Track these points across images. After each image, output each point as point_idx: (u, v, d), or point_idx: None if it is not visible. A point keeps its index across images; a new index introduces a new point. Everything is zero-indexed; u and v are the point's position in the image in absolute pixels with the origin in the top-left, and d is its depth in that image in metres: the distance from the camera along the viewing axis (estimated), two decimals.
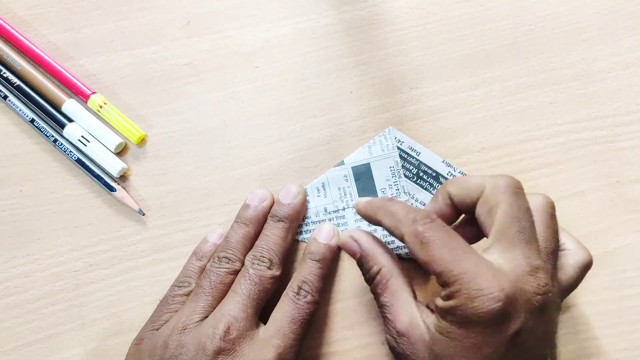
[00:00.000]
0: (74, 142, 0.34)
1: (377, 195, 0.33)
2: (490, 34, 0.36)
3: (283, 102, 0.36)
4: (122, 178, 0.35)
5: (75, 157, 0.34)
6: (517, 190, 0.26)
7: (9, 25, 0.36)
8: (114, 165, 0.34)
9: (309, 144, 0.35)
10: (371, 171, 0.34)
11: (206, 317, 0.28)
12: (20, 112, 0.35)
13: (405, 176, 0.33)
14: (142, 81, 0.36)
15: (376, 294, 0.29)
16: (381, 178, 0.34)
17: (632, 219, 0.34)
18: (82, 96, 0.35)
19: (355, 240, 0.30)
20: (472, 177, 0.28)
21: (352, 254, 0.30)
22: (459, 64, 0.36)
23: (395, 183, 0.33)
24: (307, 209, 0.34)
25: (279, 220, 0.32)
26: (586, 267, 0.28)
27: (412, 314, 0.27)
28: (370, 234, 0.31)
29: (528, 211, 0.26)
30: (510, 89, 0.36)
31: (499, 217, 0.26)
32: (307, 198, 0.34)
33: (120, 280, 0.33)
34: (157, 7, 0.37)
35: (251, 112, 0.35)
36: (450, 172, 0.34)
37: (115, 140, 0.34)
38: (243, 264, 0.31)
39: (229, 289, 0.30)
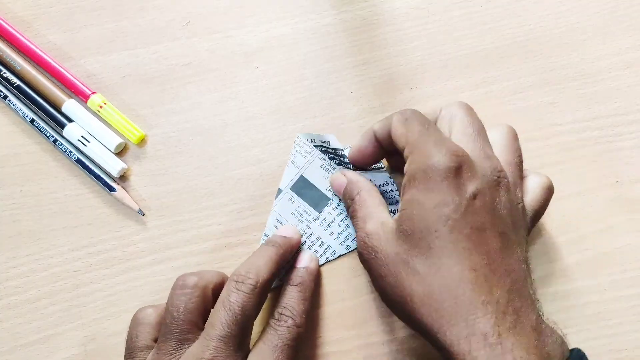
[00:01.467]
0: (74, 142, 0.34)
1: (328, 197, 0.33)
2: (490, 34, 0.36)
3: (283, 102, 0.36)
4: (122, 178, 0.35)
5: (75, 157, 0.34)
6: (470, 109, 0.30)
7: (9, 25, 0.36)
8: (114, 165, 0.34)
9: None
10: (308, 180, 0.34)
11: None
12: (20, 112, 0.35)
13: (337, 164, 0.33)
14: (142, 81, 0.36)
15: (353, 212, 0.30)
16: (320, 180, 0.34)
17: (632, 219, 0.34)
18: (82, 96, 0.35)
19: (344, 175, 0.32)
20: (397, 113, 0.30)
21: (339, 187, 0.32)
22: (459, 64, 0.36)
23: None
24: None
25: (272, 246, 0.30)
26: (549, 188, 0.30)
27: (382, 217, 0.28)
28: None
29: (480, 122, 0.29)
30: (510, 89, 0.36)
31: (456, 124, 0.28)
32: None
33: (120, 280, 0.33)
34: (157, 7, 0.37)
35: (251, 112, 0.35)
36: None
37: (115, 140, 0.34)
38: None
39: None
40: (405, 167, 0.27)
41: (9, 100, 0.35)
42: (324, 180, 0.34)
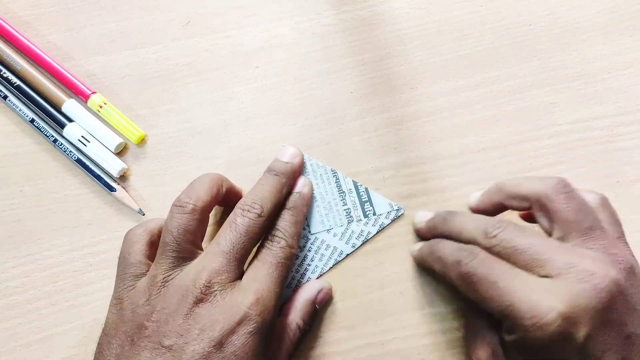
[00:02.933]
0: (74, 142, 0.34)
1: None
2: (490, 34, 0.36)
3: (283, 102, 0.36)
4: (122, 178, 0.35)
5: (75, 157, 0.34)
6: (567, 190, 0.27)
7: (9, 25, 0.36)
8: (114, 165, 0.34)
9: (309, 144, 0.35)
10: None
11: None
12: (20, 112, 0.35)
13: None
14: (142, 81, 0.36)
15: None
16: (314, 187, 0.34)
17: (632, 219, 0.34)
18: (82, 96, 0.35)
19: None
20: (524, 181, 0.29)
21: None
22: (459, 64, 0.36)
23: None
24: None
25: (275, 175, 0.31)
26: (604, 200, 0.29)
27: (491, 345, 0.27)
28: None
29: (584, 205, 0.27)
30: (510, 89, 0.36)
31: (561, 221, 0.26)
32: None
33: None
34: (157, 7, 0.37)
35: (251, 112, 0.35)
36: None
37: (115, 140, 0.34)
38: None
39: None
40: (506, 334, 0.26)
41: (9, 100, 0.35)
42: (318, 192, 0.34)
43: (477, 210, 0.31)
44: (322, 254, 0.33)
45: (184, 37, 0.37)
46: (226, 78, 0.36)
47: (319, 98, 0.36)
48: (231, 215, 0.29)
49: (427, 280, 0.33)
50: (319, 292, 0.32)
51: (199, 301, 0.26)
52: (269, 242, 0.30)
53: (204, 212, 0.29)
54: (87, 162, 0.34)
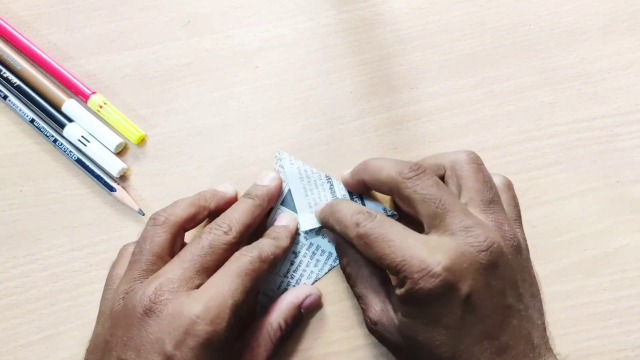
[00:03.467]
0: (74, 142, 0.34)
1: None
2: (490, 34, 0.36)
3: (283, 102, 0.36)
4: (122, 178, 0.35)
5: (75, 157, 0.34)
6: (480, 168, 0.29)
7: (9, 25, 0.36)
8: (114, 165, 0.34)
9: (309, 144, 0.35)
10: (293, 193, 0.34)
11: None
12: (20, 112, 0.35)
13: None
14: (142, 81, 0.36)
15: (350, 285, 0.31)
16: (301, 190, 0.33)
17: (632, 219, 0.34)
18: (82, 96, 0.35)
19: (328, 215, 0.31)
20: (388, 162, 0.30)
21: (322, 221, 0.32)
22: (459, 64, 0.36)
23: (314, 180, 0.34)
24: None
25: (249, 197, 0.31)
26: (509, 185, 0.31)
27: (382, 302, 0.29)
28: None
29: (491, 181, 0.29)
30: (510, 89, 0.36)
31: (467, 190, 0.29)
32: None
33: None
34: (157, 7, 0.37)
35: (251, 112, 0.35)
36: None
37: (115, 140, 0.34)
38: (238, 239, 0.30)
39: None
40: (397, 285, 0.27)
41: (9, 100, 0.35)
42: (305, 190, 0.33)
43: (347, 186, 0.33)
44: (317, 260, 0.33)
45: (184, 37, 0.37)
46: (226, 78, 0.36)
47: (319, 98, 0.36)
48: (201, 232, 0.29)
49: None
50: (306, 297, 0.32)
51: (149, 311, 0.25)
52: (238, 252, 0.28)
53: (175, 228, 0.29)
54: (87, 162, 0.34)
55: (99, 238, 0.34)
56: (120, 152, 0.35)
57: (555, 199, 0.33)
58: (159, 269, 0.27)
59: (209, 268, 0.27)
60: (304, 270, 0.33)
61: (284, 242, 0.31)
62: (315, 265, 0.33)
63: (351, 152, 0.35)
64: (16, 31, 0.36)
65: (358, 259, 0.30)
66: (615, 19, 0.37)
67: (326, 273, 0.33)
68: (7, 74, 0.35)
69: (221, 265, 0.28)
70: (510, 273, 0.27)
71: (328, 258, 0.33)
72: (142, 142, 0.35)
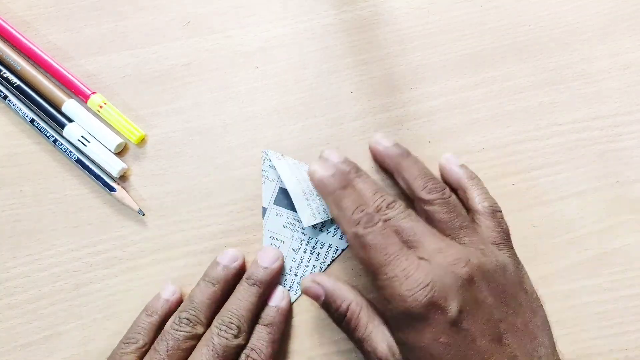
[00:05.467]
0: (74, 142, 0.34)
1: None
2: (490, 34, 0.36)
3: (283, 102, 0.36)
4: (122, 178, 0.35)
5: (75, 157, 0.34)
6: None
7: (9, 25, 0.36)
8: (114, 165, 0.34)
9: (309, 144, 0.35)
10: (286, 191, 0.33)
11: None
12: (20, 112, 0.35)
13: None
14: (142, 81, 0.36)
15: (350, 331, 0.29)
16: (295, 185, 0.33)
17: (632, 219, 0.34)
18: (82, 96, 0.35)
19: (318, 283, 0.30)
20: None
21: (316, 297, 0.30)
22: (459, 64, 0.36)
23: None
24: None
25: (253, 284, 0.31)
26: (495, 210, 0.31)
27: (387, 339, 0.28)
28: (330, 276, 0.31)
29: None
30: (510, 89, 0.36)
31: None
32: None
33: (120, 281, 0.33)
34: (157, 7, 0.37)
35: (251, 112, 0.35)
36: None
37: (115, 140, 0.34)
38: (205, 327, 0.30)
39: (187, 355, 0.29)
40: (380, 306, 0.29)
41: (9, 100, 0.35)
42: (298, 184, 0.33)
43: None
44: (317, 253, 0.33)
45: (184, 37, 0.37)
46: (226, 78, 0.36)
47: (319, 98, 0.36)
48: (208, 332, 0.29)
49: None
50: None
51: None
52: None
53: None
54: (87, 162, 0.34)
55: (99, 238, 0.34)
56: (120, 152, 0.35)
57: (555, 199, 0.33)
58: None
59: None
60: (307, 266, 0.33)
61: (280, 329, 0.31)
62: (317, 259, 0.33)
63: (351, 152, 0.35)
64: (16, 31, 0.36)
65: (359, 300, 0.30)
66: (615, 19, 0.37)
67: (328, 265, 0.33)
68: (7, 74, 0.35)
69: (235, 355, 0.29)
70: (497, 288, 0.27)
71: (328, 250, 0.33)
72: (142, 142, 0.35)
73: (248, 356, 0.29)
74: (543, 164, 0.34)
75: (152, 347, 0.29)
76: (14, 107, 0.35)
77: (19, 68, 0.35)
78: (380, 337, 0.28)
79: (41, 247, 0.34)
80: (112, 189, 0.34)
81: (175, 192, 0.34)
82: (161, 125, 0.35)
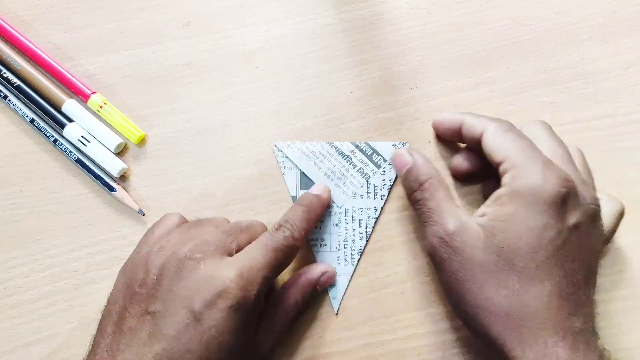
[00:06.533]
0: (74, 142, 0.34)
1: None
2: (490, 34, 0.36)
3: (283, 102, 0.36)
4: (122, 178, 0.35)
5: (75, 157, 0.34)
6: (551, 130, 0.31)
7: (9, 25, 0.36)
8: (114, 165, 0.34)
9: None
10: (306, 175, 0.34)
11: None
12: (20, 112, 0.35)
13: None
14: (142, 81, 0.36)
15: (422, 201, 0.29)
16: (313, 167, 0.34)
17: (632, 219, 0.34)
18: (82, 96, 0.35)
19: (411, 154, 0.31)
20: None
21: (402, 165, 0.30)
22: (459, 64, 0.36)
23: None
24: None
25: (301, 206, 0.31)
26: (621, 215, 0.31)
27: (462, 216, 0.28)
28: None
29: (564, 144, 0.30)
30: (510, 89, 0.36)
31: (544, 146, 0.29)
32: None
33: None
34: (157, 7, 0.37)
35: (251, 112, 0.35)
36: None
37: (115, 140, 0.34)
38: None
39: None
40: (506, 180, 0.27)
41: (9, 100, 0.35)
42: (318, 169, 0.34)
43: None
44: (359, 220, 0.34)
45: (184, 37, 0.36)
46: (226, 78, 0.36)
47: (319, 98, 0.36)
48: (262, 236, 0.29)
49: (427, 280, 0.33)
50: (322, 274, 0.32)
51: (182, 267, 0.26)
52: (273, 229, 0.29)
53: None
54: (87, 162, 0.34)
55: (99, 238, 0.34)
56: (120, 152, 0.35)
57: None
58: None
59: (244, 242, 0.29)
60: (353, 235, 0.33)
61: (316, 212, 0.31)
62: (360, 225, 0.34)
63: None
64: (16, 31, 0.36)
65: (441, 179, 0.30)
66: (615, 19, 0.37)
67: (373, 227, 0.33)
68: (7, 74, 0.35)
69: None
70: (600, 241, 0.28)
71: (368, 213, 0.34)
72: (142, 142, 0.35)
73: (280, 225, 0.29)
74: None
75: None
76: (14, 107, 0.35)
77: (19, 68, 0.35)
78: (452, 213, 0.28)
79: (41, 247, 0.34)
80: (112, 189, 0.34)
81: (175, 192, 0.34)
82: (161, 125, 0.35)
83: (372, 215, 0.33)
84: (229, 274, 0.26)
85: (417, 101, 0.35)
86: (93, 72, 0.36)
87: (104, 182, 0.34)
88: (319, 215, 0.32)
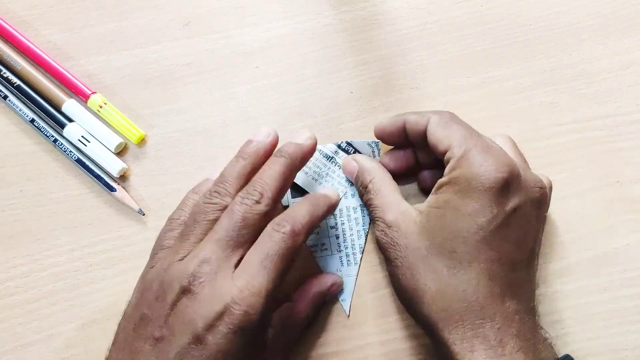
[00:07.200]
0: (74, 142, 0.34)
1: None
2: (490, 34, 0.36)
3: (283, 102, 0.36)
4: (122, 178, 0.35)
5: (75, 157, 0.34)
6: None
7: (9, 25, 0.36)
8: (114, 165, 0.34)
9: None
10: (297, 184, 0.34)
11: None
12: (20, 112, 0.35)
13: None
14: (142, 81, 0.36)
15: (369, 201, 0.31)
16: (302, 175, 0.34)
17: (632, 219, 0.34)
18: (82, 96, 0.35)
19: (355, 160, 0.32)
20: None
21: (351, 173, 0.32)
22: (459, 64, 0.36)
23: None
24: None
25: (281, 156, 0.29)
26: (550, 189, 0.31)
27: (402, 207, 0.29)
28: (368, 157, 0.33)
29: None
30: (510, 89, 0.36)
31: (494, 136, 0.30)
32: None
33: (120, 280, 0.33)
34: (157, 7, 0.37)
35: (251, 112, 0.35)
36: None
37: (115, 140, 0.34)
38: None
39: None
40: (447, 170, 0.28)
41: (9, 100, 0.35)
42: (304, 174, 0.34)
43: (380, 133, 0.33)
44: (355, 218, 0.33)
45: (184, 37, 0.36)
46: (226, 78, 0.36)
47: (319, 98, 0.36)
48: (231, 203, 0.28)
49: None
50: (332, 285, 0.32)
51: (185, 291, 0.25)
52: (270, 227, 0.27)
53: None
54: (87, 162, 0.34)
55: (99, 238, 0.34)
56: (120, 152, 0.35)
57: (555, 199, 0.33)
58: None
59: (246, 242, 0.27)
60: (352, 235, 0.33)
61: (321, 208, 0.29)
62: (357, 224, 0.34)
63: None
64: (16, 31, 0.36)
65: (384, 176, 0.31)
66: (615, 19, 0.37)
67: (370, 223, 0.33)
68: (7, 74, 0.35)
69: (258, 235, 0.27)
70: (542, 226, 0.29)
71: (363, 210, 0.34)
72: (142, 142, 0.35)
73: (253, 188, 0.27)
74: (543, 164, 0.34)
75: (185, 222, 0.28)
76: (14, 107, 0.35)
77: (19, 68, 0.35)
78: (394, 205, 0.29)
79: (41, 247, 0.34)
80: (112, 189, 0.34)
81: (175, 192, 0.34)
82: (161, 125, 0.35)
83: (367, 212, 0.33)
84: (229, 293, 0.25)
85: (417, 101, 0.35)
86: (93, 72, 0.36)
87: (104, 182, 0.34)
88: (324, 213, 0.30)
